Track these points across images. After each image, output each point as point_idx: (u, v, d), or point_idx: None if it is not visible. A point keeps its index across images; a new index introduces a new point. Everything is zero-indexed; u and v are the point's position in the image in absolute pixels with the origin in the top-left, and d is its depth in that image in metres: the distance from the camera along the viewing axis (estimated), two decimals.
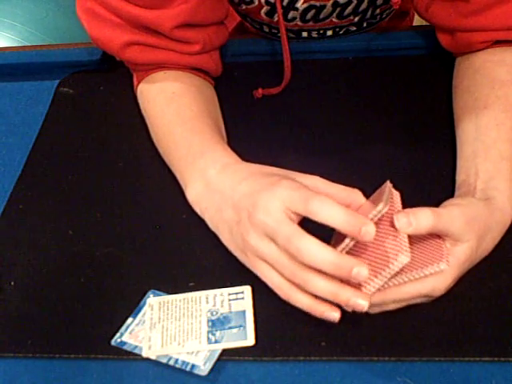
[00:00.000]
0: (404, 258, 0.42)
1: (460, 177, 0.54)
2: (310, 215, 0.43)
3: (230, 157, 0.55)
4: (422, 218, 0.43)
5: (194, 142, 0.57)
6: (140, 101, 0.66)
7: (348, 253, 0.44)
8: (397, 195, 0.47)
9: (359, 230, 0.41)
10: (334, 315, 0.44)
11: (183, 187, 0.57)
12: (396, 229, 0.43)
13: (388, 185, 0.46)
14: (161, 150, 0.62)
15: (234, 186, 0.50)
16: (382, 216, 0.44)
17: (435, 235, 0.47)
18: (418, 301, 0.47)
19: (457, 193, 0.53)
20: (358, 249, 0.45)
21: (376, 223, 0.43)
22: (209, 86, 0.67)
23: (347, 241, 0.43)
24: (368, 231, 0.41)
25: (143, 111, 0.65)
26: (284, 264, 0.44)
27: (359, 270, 0.41)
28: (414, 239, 0.46)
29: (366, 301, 0.42)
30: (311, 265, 0.42)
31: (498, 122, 0.55)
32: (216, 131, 0.59)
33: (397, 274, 0.44)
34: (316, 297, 0.44)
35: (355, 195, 0.46)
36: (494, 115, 0.56)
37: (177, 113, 0.61)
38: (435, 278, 0.45)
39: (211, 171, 0.53)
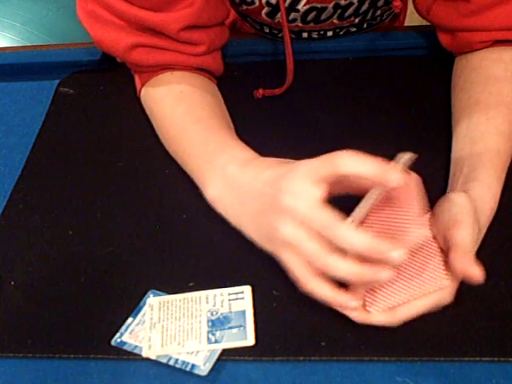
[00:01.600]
0: (445, 282, 0.44)
1: (450, 174, 0.55)
2: (340, 171, 0.42)
3: (249, 153, 0.54)
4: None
5: (210, 140, 0.56)
6: (145, 102, 0.66)
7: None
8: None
9: (387, 176, 0.41)
10: (355, 304, 0.44)
11: (201, 186, 0.55)
12: (437, 251, 0.45)
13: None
14: (172, 149, 0.61)
15: (256, 177, 0.49)
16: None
17: (433, 250, 0.47)
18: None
19: (447, 191, 0.54)
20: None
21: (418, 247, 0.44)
22: (214, 85, 0.67)
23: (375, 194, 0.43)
24: (396, 178, 0.41)
25: (150, 112, 0.65)
26: (309, 249, 0.43)
27: (398, 252, 0.41)
28: (412, 255, 0.46)
29: (388, 273, 0.42)
30: (349, 249, 0.42)
31: (489, 117, 0.55)
32: (230, 129, 0.59)
33: (399, 292, 0.45)
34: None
35: (380, 170, 0.43)
36: (485, 110, 0.56)
37: (188, 112, 0.60)
38: (443, 291, 0.45)
39: (232, 167, 0.52)
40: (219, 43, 0.66)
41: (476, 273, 0.43)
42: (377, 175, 0.41)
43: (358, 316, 0.45)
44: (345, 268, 0.42)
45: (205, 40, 0.62)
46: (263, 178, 0.48)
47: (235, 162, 0.53)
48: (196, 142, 0.57)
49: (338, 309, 0.46)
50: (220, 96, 0.67)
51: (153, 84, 0.64)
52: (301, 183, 0.44)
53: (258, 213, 0.48)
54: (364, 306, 0.46)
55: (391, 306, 0.45)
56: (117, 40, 0.60)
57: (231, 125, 0.62)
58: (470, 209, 0.47)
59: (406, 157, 0.44)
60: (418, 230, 0.44)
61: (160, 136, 0.63)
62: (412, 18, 0.72)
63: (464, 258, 0.43)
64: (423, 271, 0.46)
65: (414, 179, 0.46)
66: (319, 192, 0.43)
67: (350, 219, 0.43)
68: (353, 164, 0.42)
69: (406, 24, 0.91)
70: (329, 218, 0.42)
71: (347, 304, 0.44)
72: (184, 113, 0.60)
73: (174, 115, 0.61)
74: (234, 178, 0.51)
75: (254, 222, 0.49)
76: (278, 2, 0.64)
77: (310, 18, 0.68)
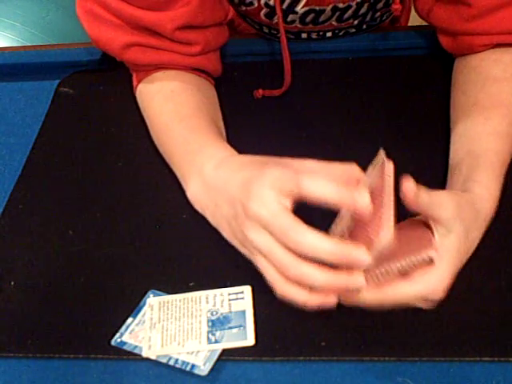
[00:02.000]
0: (386, 234, 0.41)
1: (448, 174, 0.55)
2: (302, 192, 0.42)
3: (226, 150, 0.55)
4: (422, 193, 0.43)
5: (191, 140, 0.57)
6: (139, 101, 0.66)
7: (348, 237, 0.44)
8: (389, 167, 0.45)
9: (353, 201, 0.40)
10: (331, 301, 0.43)
11: (184, 185, 0.57)
12: (383, 205, 0.42)
13: (381, 154, 0.44)
14: (160, 149, 0.62)
15: (228, 180, 0.49)
16: (373, 191, 0.43)
17: (422, 227, 0.46)
18: (420, 305, 0.46)
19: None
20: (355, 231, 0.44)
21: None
22: (209, 84, 0.67)
23: (344, 221, 0.43)
24: (362, 201, 0.40)
25: (142, 111, 0.65)
26: (279, 257, 0.43)
27: (358, 253, 0.40)
28: (401, 230, 0.45)
29: (361, 276, 0.41)
30: (311, 256, 0.41)
31: (486, 117, 0.55)
32: (213, 128, 0.59)
33: (384, 261, 0.43)
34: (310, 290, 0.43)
35: (351, 170, 0.44)
36: (483, 111, 0.56)
37: (175, 110, 0.61)
38: (431, 276, 0.44)
39: (208, 167, 0.53)
40: (216, 44, 0.66)
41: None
42: (341, 201, 0.41)
43: (346, 299, 0.44)
44: (320, 277, 0.42)
45: (200, 40, 0.62)
46: (234, 182, 0.48)
47: (211, 161, 0.53)
48: (178, 142, 0.58)
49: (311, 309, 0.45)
50: (214, 95, 0.67)
51: (146, 82, 0.65)
52: (267, 194, 0.43)
53: (230, 217, 0.48)
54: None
55: (377, 281, 0.44)
56: (113, 38, 0.61)
57: (219, 123, 0.63)
58: (465, 209, 0.46)
59: (381, 160, 0.44)
60: (386, 233, 0.41)
61: (151, 134, 0.64)
62: (412, 18, 0.72)
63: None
64: (411, 245, 0.45)
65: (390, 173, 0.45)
66: (284, 200, 0.43)
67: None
68: (319, 189, 0.41)
69: (413, 24, 0.90)
70: (291, 223, 0.42)
71: (322, 306, 0.43)
72: (170, 111, 0.61)
73: (161, 114, 0.62)
74: (210, 179, 0.52)
75: (229, 225, 0.49)
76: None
77: (308, 19, 0.68)
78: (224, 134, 0.62)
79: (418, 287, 0.44)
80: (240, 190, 0.46)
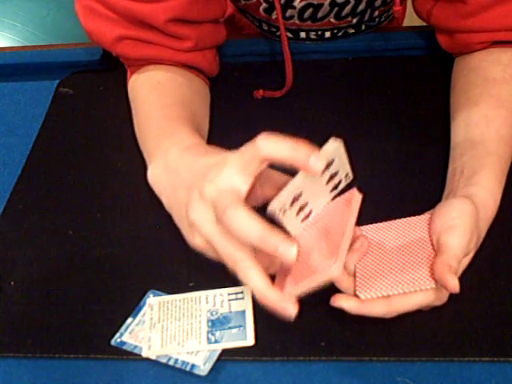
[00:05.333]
0: (338, 266, 0.40)
1: (449, 176, 0.55)
2: (259, 154, 0.41)
3: (195, 138, 0.54)
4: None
5: (165, 126, 0.57)
6: (129, 92, 0.67)
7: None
8: (358, 198, 0.45)
9: (307, 160, 0.39)
10: (292, 310, 0.40)
11: (147, 169, 0.55)
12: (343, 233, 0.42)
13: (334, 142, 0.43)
14: (137, 136, 0.62)
15: (191, 165, 0.48)
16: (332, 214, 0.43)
17: (429, 251, 0.47)
18: (424, 308, 0.46)
19: (445, 192, 0.54)
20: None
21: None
22: (200, 81, 0.67)
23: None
24: (316, 165, 0.39)
25: (131, 102, 0.66)
26: (216, 239, 0.41)
27: (286, 248, 0.38)
28: (410, 249, 0.47)
29: (293, 247, 0.38)
30: (237, 235, 0.39)
31: (488, 120, 0.55)
32: (191, 121, 0.58)
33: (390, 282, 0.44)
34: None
35: (299, 152, 0.40)
36: (485, 113, 0.56)
37: (157, 99, 0.61)
38: (426, 294, 0.45)
39: (173, 150, 0.52)
40: (211, 42, 0.66)
41: (451, 282, 0.42)
42: (296, 158, 0.40)
43: (353, 307, 0.44)
44: (248, 225, 0.39)
45: (193, 36, 0.62)
46: (196, 167, 0.47)
47: (178, 145, 0.52)
48: (153, 128, 0.58)
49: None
50: (204, 93, 0.67)
51: (137, 75, 0.65)
52: (226, 174, 0.41)
53: (183, 203, 0.46)
54: (354, 291, 0.45)
55: (380, 296, 0.45)
56: (105, 31, 0.61)
57: (201, 118, 0.63)
58: (470, 215, 0.46)
59: (332, 146, 0.42)
60: (338, 265, 0.40)
61: (134, 125, 0.63)
62: (412, 18, 0.72)
63: (444, 266, 0.43)
64: (416, 268, 0.45)
65: (356, 198, 0.45)
66: (241, 182, 0.41)
67: (275, 200, 0.41)
68: (273, 146, 0.40)
69: (405, 24, 0.90)
70: (234, 201, 0.40)
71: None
72: (153, 101, 0.61)
73: (144, 103, 0.62)
74: (173, 162, 0.51)
75: (180, 212, 0.47)
76: None
77: (306, 15, 0.68)
78: (204, 131, 0.62)
79: (422, 297, 0.45)
80: (200, 176, 0.44)
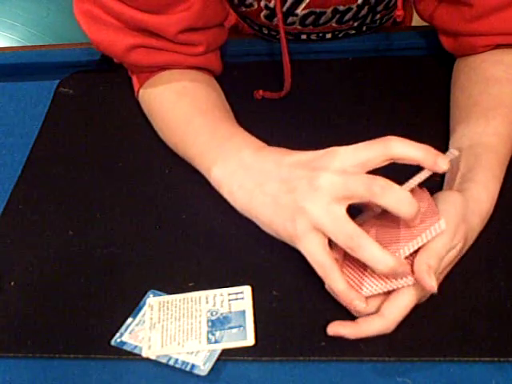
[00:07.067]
0: (409, 280, 0.44)
1: (447, 174, 0.55)
2: (389, 153, 0.45)
3: (259, 141, 0.55)
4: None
5: (217, 129, 0.57)
6: (144, 101, 0.66)
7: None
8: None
9: (435, 161, 0.44)
10: (361, 305, 0.44)
11: (204, 170, 0.56)
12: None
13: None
14: (173, 141, 0.61)
15: (279, 161, 0.49)
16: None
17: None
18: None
19: (443, 190, 0.54)
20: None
21: None
22: (215, 81, 0.67)
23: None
24: (442, 164, 0.44)
25: (148, 109, 0.65)
26: (344, 226, 0.44)
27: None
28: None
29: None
30: (368, 264, 0.43)
31: (488, 118, 0.55)
32: (233, 120, 0.60)
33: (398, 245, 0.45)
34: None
35: (429, 154, 0.45)
36: (485, 112, 0.56)
37: (192, 105, 0.61)
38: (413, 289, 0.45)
39: (247, 151, 0.52)
40: (217, 43, 0.66)
41: (428, 283, 0.43)
42: (426, 159, 0.44)
43: (350, 332, 0.45)
44: (376, 252, 0.43)
45: (203, 41, 0.63)
46: (288, 162, 0.49)
47: (249, 146, 0.53)
48: (202, 131, 0.58)
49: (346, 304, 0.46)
50: (221, 92, 0.67)
51: (152, 83, 0.64)
52: (343, 160, 0.45)
53: (279, 193, 0.48)
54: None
55: (376, 293, 0.45)
56: (115, 41, 0.60)
57: (234, 118, 0.63)
58: (456, 207, 0.46)
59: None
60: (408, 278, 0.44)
61: (159, 131, 0.63)
62: (418, 20, 0.72)
63: (422, 265, 0.43)
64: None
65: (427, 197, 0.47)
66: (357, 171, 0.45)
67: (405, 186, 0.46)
68: (404, 147, 0.44)
69: (413, 24, 0.90)
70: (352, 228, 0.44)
71: (354, 304, 0.45)
72: (188, 105, 0.61)
73: (175, 108, 0.61)
74: (250, 161, 0.52)
75: (274, 203, 0.48)
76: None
77: (308, 21, 0.68)
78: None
79: (408, 299, 0.45)
80: (301, 167, 0.47)
